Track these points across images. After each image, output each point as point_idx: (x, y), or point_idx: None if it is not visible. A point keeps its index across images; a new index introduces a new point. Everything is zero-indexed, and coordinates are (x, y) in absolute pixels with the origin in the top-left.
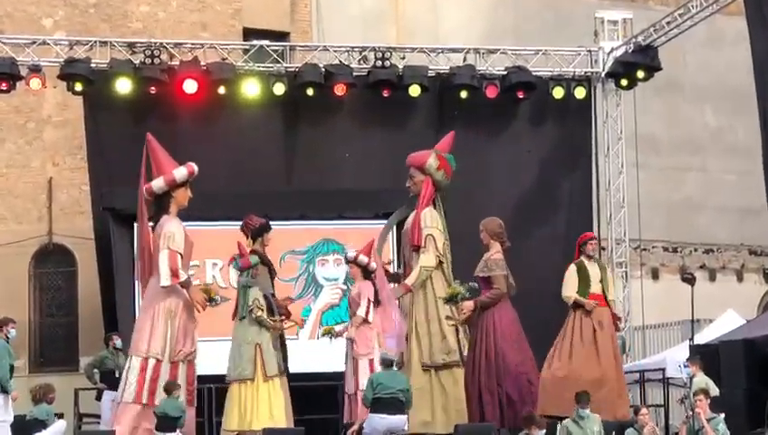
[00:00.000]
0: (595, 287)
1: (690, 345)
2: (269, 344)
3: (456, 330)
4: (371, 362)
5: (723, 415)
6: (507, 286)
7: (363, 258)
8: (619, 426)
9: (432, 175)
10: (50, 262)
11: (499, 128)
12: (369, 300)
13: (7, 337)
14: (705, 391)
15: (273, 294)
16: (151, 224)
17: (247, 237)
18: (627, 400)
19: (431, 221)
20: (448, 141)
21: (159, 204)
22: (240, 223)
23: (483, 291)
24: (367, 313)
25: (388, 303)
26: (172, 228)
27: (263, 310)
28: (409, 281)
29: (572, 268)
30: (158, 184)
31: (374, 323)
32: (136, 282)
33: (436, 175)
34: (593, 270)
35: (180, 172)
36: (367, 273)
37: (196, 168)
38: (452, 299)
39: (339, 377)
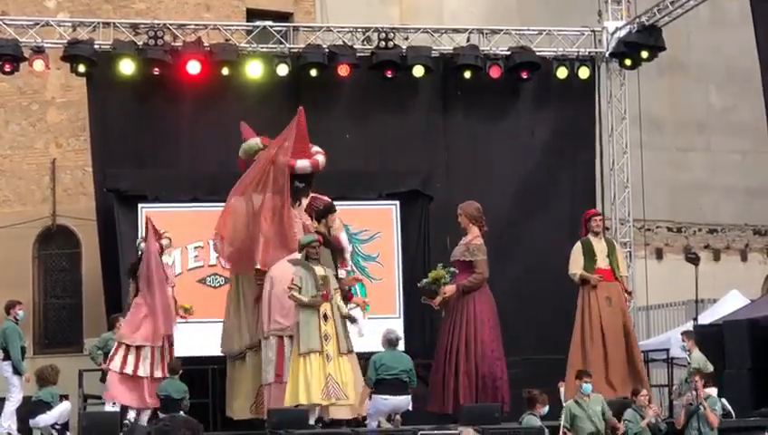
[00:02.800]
0: (601, 263)
1: (694, 326)
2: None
3: None
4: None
5: (716, 390)
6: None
7: None
8: (618, 406)
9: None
10: (54, 243)
11: (503, 108)
12: None
13: (16, 319)
14: (700, 371)
15: (336, 275)
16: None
17: (312, 218)
18: (640, 380)
19: None
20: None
21: (308, 181)
22: None
23: (462, 275)
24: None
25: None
26: None
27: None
28: None
29: (577, 245)
30: (323, 161)
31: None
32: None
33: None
34: (599, 246)
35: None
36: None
37: None
38: (435, 283)
39: None
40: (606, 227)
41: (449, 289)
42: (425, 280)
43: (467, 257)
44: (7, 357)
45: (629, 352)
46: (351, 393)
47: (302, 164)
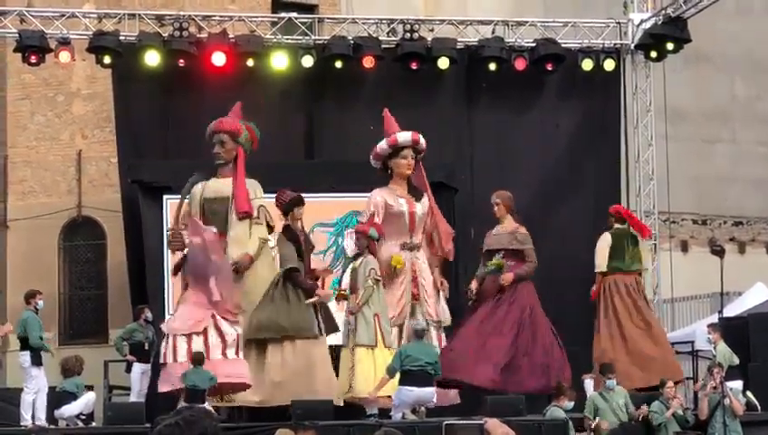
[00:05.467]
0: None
1: (719, 318)
2: None
3: None
4: None
5: (741, 383)
6: None
7: None
8: (646, 398)
9: (243, 145)
10: (79, 234)
11: (528, 100)
12: None
13: (36, 308)
14: (720, 365)
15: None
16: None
17: (280, 211)
18: (652, 371)
19: (260, 192)
20: (238, 111)
21: None
22: (268, 195)
23: (516, 264)
24: None
25: None
26: None
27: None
28: (252, 251)
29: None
30: None
31: None
32: (165, 254)
33: (246, 145)
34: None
35: None
36: None
37: None
38: (499, 270)
39: None
40: None
41: (508, 278)
42: (488, 268)
43: (516, 246)
44: (24, 347)
45: (654, 341)
46: None
47: None
